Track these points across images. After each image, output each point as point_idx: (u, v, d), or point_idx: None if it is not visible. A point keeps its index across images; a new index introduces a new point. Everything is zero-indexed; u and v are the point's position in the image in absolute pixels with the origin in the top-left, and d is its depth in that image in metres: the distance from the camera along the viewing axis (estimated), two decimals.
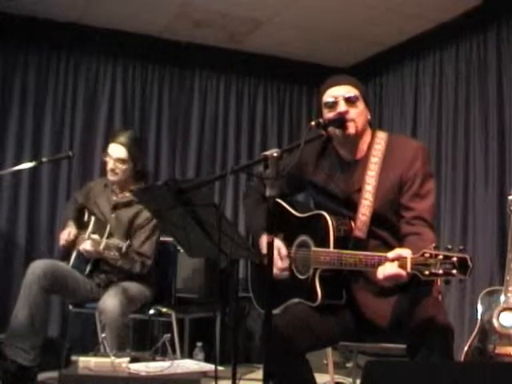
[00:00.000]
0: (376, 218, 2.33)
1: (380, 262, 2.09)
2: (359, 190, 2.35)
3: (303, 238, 2.44)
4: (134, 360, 2.73)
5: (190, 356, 3.89)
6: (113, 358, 2.62)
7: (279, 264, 2.41)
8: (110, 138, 3.70)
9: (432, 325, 2.13)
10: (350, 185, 2.39)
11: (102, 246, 3.27)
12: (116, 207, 3.59)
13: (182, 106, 5.34)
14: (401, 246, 2.20)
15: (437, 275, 1.93)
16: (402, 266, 2.01)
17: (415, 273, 1.98)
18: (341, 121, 2.33)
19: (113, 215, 3.57)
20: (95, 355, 2.72)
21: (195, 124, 5.36)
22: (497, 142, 4.18)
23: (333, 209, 2.39)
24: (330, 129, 2.35)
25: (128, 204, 3.58)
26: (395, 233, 2.34)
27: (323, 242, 2.31)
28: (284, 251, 2.43)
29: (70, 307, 3.72)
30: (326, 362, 3.70)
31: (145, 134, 5.20)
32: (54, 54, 4.96)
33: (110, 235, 3.49)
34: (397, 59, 5.16)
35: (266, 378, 1.93)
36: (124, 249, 3.23)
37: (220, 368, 2.70)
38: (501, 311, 3.13)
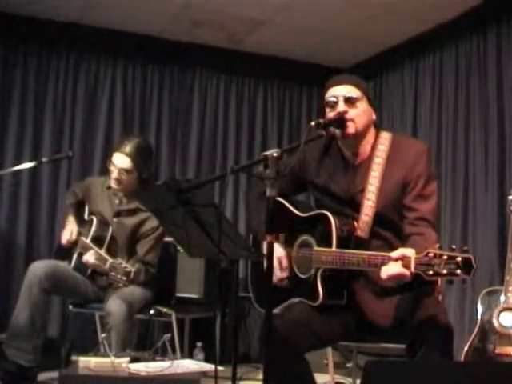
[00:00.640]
0: (379, 219, 2.33)
1: (383, 262, 2.09)
2: (362, 191, 2.35)
3: (305, 237, 2.44)
4: (134, 360, 2.73)
5: (190, 356, 3.89)
6: (113, 358, 2.62)
7: (278, 274, 2.39)
8: (114, 146, 3.63)
9: (432, 325, 2.13)
10: (353, 185, 2.39)
11: (107, 266, 3.18)
12: (119, 214, 3.55)
13: (182, 106, 5.34)
14: (404, 246, 2.20)
15: (441, 275, 1.93)
16: (406, 265, 2.02)
17: (419, 272, 1.98)
18: (340, 121, 2.34)
19: (115, 220, 3.54)
20: (95, 355, 2.72)
21: (195, 124, 5.36)
22: (497, 142, 4.18)
23: (335, 209, 2.39)
24: (331, 129, 2.35)
25: (132, 212, 3.53)
26: (398, 233, 2.35)
27: (325, 242, 2.31)
28: (285, 262, 2.41)
29: (70, 307, 3.72)
30: (326, 361, 3.70)
31: (145, 134, 5.19)
32: (54, 54, 4.96)
33: (112, 240, 3.49)
34: (397, 59, 5.16)
35: (265, 378, 1.93)
36: (132, 276, 3.14)
37: (220, 368, 2.70)
38: (501, 311, 3.13)
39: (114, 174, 3.48)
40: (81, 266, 3.47)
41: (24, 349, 3.25)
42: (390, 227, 2.35)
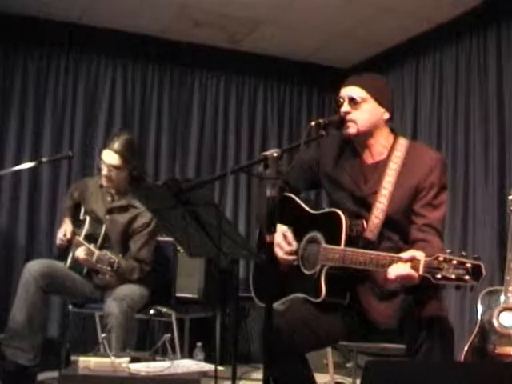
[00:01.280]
0: (388, 222, 2.35)
1: (392, 262, 2.10)
2: (375, 193, 2.37)
3: (314, 233, 2.45)
4: (133, 360, 2.73)
5: (190, 356, 3.89)
6: (113, 358, 2.62)
7: (285, 247, 2.43)
8: (105, 144, 3.65)
9: (432, 325, 2.13)
10: (367, 186, 2.41)
11: (94, 258, 3.25)
12: (111, 211, 3.55)
13: (182, 106, 5.34)
14: (410, 248, 2.20)
15: (449, 279, 1.93)
16: (415, 267, 2.02)
17: (427, 276, 1.98)
18: (340, 122, 2.38)
19: (107, 217, 3.54)
20: (95, 355, 2.72)
21: (195, 124, 5.36)
22: (497, 142, 4.18)
23: (348, 207, 2.41)
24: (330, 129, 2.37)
25: (124, 209, 3.54)
26: (406, 237, 2.36)
27: (334, 240, 2.33)
28: (290, 237, 2.44)
29: (70, 307, 3.71)
30: (325, 361, 3.70)
31: (145, 134, 5.20)
32: (54, 54, 4.96)
33: (106, 237, 3.49)
34: (397, 59, 5.16)
35: (265, 376, 1.93)
36: (115, 266, 3.22)
37: (220, 368, 2.71)
38: (501, 311, 3.13)
39: (104, 171, 3.50)
40: (77, 265, 3.47)
41: (22, 348, 3.25)
42: (399, 231, 2.36)
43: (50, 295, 3.43)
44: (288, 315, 2.38)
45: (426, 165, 2.36)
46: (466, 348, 3.16)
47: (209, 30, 4.94)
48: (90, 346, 3.76)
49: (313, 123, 2.28)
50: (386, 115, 2.43)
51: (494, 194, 4.14)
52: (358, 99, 2.38)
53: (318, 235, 2.43)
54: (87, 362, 2.61)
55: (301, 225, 2.50)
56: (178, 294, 4.02)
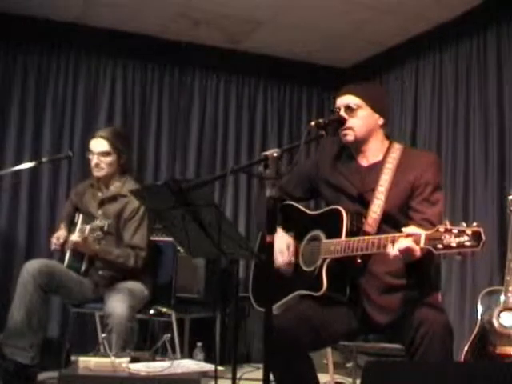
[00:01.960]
0: (386, 217, 2.39)
1: (394, 240, 2.14)
2: (372, 190, 2.43)
3: (315, 232, 2.49)
4: (134, 360, 2.73)
5: (190, 356, 3.90)
6: (113, 358, 2.62)
7: (286, 256, 2.46)
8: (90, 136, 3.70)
9: (432, 325, 2.14)
10: (365, 184, 2.47)
11: (87, 232, 3.32)
12: (103, 203, 3.58)
13: (182, 106, 5.34)
14: None
15: (450, 247, 1.97)
16: (416, 241, 2.06)
17: (428, 247, 2.01)
18: (339, 121, 2.44)
19: (100, 211, 3.56)
20: (95, 355, 2.72)
21: (195, 124, 5.36)
22: (497, 142, 4.18)
23: (346, 205, 2.44)
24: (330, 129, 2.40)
25: (113, 198, 3.57)
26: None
27: (335, 235, 2.36)
28: (292, 247, 2.48)
29: (70, 307, 3.72)
30: (325, 361, 3.70)
31: (145, 134, 5.20)
32: (54, 54, 4.96)
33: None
34: (397, 59, 5.16)
35: (266, 378, 1.93)
36: (106, 227, 3.30)
37: (220, 368, 2.71)
38: (501, 311, 3.13)
39: (94, 159, 3.54)
40: (74, 264, 3.48)
41: (21, 346, 3.25)
42: (397, 227, 2.37)
43: (49, 294, 3.43)
44: (288, 314, 2.39)
45: (421, 163, 2.43)
46: (466, 348, 3.16)
47: (209, 30, 4.94)
48: (90, 346, 3.76)
49: (313, 123, 2.32)
50: (381, 120, 2.52)
51: (494, 194, 4.14)
52: (354, 106, 2.46)
53: (319, 233, 2.47)
54: (87, 362, 2.61)
55: (302, 227, 2.54)
56: (177, 294, 4.03)
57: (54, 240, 3.57)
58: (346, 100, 2.48)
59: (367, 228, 2.38)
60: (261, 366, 3.98)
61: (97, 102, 5.06)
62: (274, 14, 4.62)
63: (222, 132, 5.45)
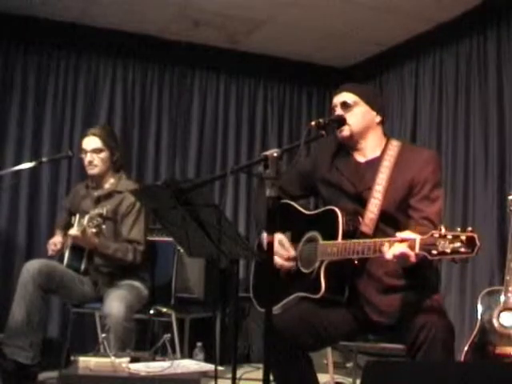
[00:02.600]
0: (384, 216, 2.38)
1: (389, 244, 2.12)
2: (369, 189, 2.41)
3: (311, 233, 2.48)
4: (134, 360, 2.73)
5: (190, 356, 3.89)
6: (113, 358, 2.62)
7: (285, 255, 2.45)
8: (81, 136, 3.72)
9: (432, 324, 2.14)
10: (362, 183, 2.45)
11: (85, 221, 3.33)
12: (98, 200, 3.59)
13: (182, 105, 5.34)
14: None
15: (445, 254, 1.96)
16: (411, 246, 2.04)
17: (424, 253, 2.00)
18: (339, 120, 2.44)
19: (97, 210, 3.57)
20: (95, 355, 2.72)
21: (195, 124, 5.36)
22: (497, 142, 4.18)
23: (343, 204, 2.44)
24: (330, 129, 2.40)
25: (109, 195, 3.58)
26: (402, 231, 2.36)
27: (331, 236, 2.35)
28: (287, 243, 2.47)
29: (70, 307, 3.71)
30: (325, 361, 3.70)
31: (145, 134, 5.20)
32: (54, 54, 4.96)
33: None
34: (397, 59, 5.16)
35: (265, 378, 1.93)
36: (105, 213, 3.32)
37: (220, 368, 2.71)
38: (501, 311, 3.12)
39: (87, 158, 3.56)
40: (73, 263, 3.49)
41: (21, 346, 3.25)
42: (394, 225, 2.38)
43: (49, 294, 3.43)
44: (288, 314, 2.39)
45: (420, 160, 2.41)
46: (466, 348, 3.15)
47: (209, 30, 4.94)
48: (90, 346, 3.76)
49: (313, 123, 2.32)
50: (378, 118, 2.51)
51: (494, 194, 4.14)
52: (350, 102, 2.47)
53: (316, 234, 2.45)
54: (87, 362, 2.61)
55: (299, 228, 2.52)
56: (177, 294, 4.03)
57: (51, 246, 3.58)
58: (342, 97, 2.48)
59: (364, 228, 2.37)
60: (261, 366, 3.98)
61: (97, 102, 5.06)
62: (273, 14, 4.62)
63: (221, 132, 5.45)
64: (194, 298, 4.42)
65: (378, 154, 2.49)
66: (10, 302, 3.41)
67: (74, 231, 3.36)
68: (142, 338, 4.13)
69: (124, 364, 2.61)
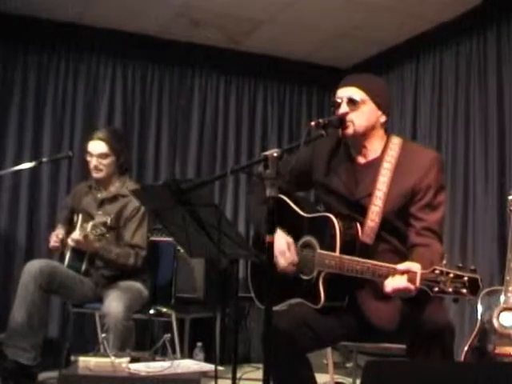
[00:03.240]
0: (385, 224, 2.32)
1: (388, 273, 2.08)
2: (369, 195, 2.34)
3: (308, 238, 2.42)
4: (134, 360, 2.73)
5: (190, 356, 3.89)
6: (113, 358, 2.62)
7: (290, 258, 2.37)
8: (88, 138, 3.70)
9: (432, 324, 2.13)
10: (361, 189, 2.38)
11: (89, 229, 3.32)
12: (103, 203, 3.58)
13: (182, 105, 5.33)
14: (409, 254, 2.22)
15: (446, 293, 1.93)
16: (411, 279, 2.00)
17: (424, 288, 1.97)
18: (339, 122, 2.34)
19: (99, 212, 3.56)
20: (95, 355, 2.72)
21: (195, 124, 5.36)
22: (497, 142, 4.18)
23: (340, 210, 2.38)
24: (330, 129, 2.35)
25: (114, 199, 3.58)
26: (403, 239, 2.34)
27: (329, 246, 2.30)
28: (294, 247, 2.39)
29: (70, 307, 3.71)
30: (325, 361, 3.70)
31: (145, 134, 5.20)
32: (54, 54, 4.96)
33: None
34: (397, 59, 5.16)
35: (265, 378, 1.93)
36: (109, 222, 3.32)
37: (220, 368, 2.71)
38: (501, 311, 3.12)
39: (93, 161, 3.55)
40: (74, 264, 3.48)
41: (22, 347, 3.25)
42: (396, 233, 2.34)
43: (50, 294, 3.43)
44: (288, 316, 2.36)
45: (421, 165, 2.32)
46: (466, 348, 3.15)
47: (208, 30, 4.94)
48: (90, 346, 3.76)
49: (313, 123, 2.25)
50: (383, 118, 2.41)
51: (494, 194, 4.14)
52: (358, 100, 2.34)
53: (312, 240, 2.40)
54: (87, 362, 2.61)
55: (293, 228, 2.45)
56: (178, 294, 4.03)
57: (53, 237, 3.55)
58: (349, 92, 2.35)
59: (364, 238, 2.31)
60: (261, 366, 3.98)
61: (97, 102, 5.06)
62: (273, 14, 4.62)
63: (221, 132, 5.45)
64: (194, 298, 4.42)
65: (378, 153, 2.40)
66: (9, 302, 3.42)
67: (76, 235, 3.35)
68: (142, 338, 4.14)
69: (124, 364, 2.61)
